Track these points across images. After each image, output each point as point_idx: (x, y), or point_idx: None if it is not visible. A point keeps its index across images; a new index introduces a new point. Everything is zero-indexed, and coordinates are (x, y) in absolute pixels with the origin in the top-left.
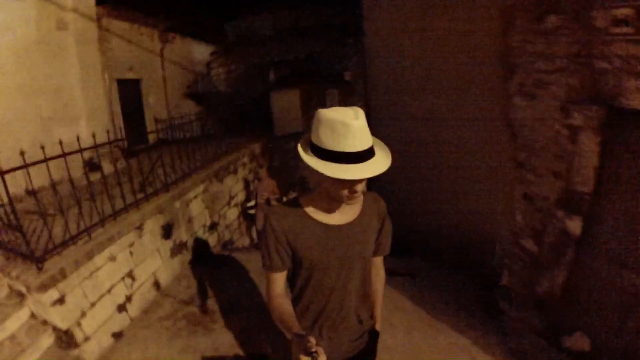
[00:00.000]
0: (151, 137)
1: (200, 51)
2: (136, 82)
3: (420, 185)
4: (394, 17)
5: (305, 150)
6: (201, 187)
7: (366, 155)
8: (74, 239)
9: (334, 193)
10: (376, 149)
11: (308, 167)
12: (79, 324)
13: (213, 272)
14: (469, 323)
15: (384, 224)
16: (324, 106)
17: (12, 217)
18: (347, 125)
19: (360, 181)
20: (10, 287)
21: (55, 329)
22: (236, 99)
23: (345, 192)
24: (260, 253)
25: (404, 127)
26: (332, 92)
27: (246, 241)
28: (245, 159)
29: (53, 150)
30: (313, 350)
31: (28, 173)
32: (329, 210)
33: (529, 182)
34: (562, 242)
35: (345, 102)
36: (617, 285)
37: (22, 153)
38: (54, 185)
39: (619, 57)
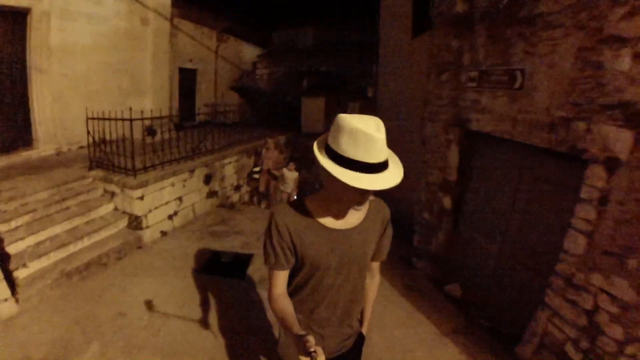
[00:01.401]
0: (199, 117)
1: (249, 52)
2: (193, 72)
3: None
4: (389, 62)
5: (321, 153)
6: (234, 158)
7: (382, 167)
8: (154, 166)
9: (344, 197)
10: (390, 162)
11: (321, 169)
12: (146, 216)
13: (229, 214)
14: (394, 273)
15: (386, 229)
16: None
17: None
18: (371, 137)
19: (372, 191)
20: (104, 189)
21: (130, 216)
22: (272, 97)
23: (357, 199)
24: (264, 250)
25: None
26: (353, 105)
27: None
28: (282, 155)
29: (125, 115)
30: (312, 350)
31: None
32: (334, 214)
33: (428, 174)
34: (441, 212)
35: (363, 114)
36: (475, 247)
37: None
38: (124, 138)
39: (469, 100)
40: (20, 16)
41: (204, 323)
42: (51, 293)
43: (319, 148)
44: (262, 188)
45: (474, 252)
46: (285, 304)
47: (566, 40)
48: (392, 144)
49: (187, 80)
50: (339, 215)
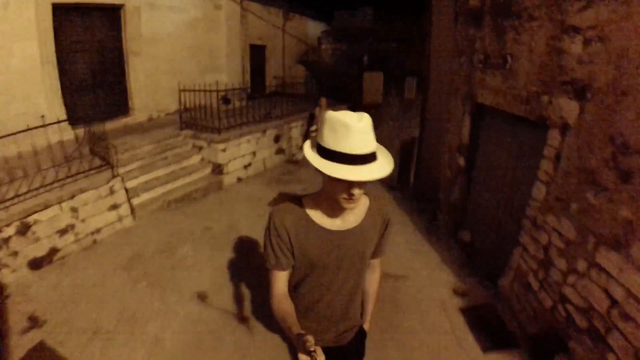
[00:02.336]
0: (269, 89)
1: (314, 28)
2: (262, 48)
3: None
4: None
5: (311, 149)
6: (300, 122)
7: (366, 159)
8: (234, 126)
9: (333, 194)
10: (379, 156)
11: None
12: (227, 165)
13: (294, 167)
14: (421, 225)
15: (387, 227)
16: (402, 89)
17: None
18: (348, 126)
19: (358, 184)
20: (193, 144)
21: (214, 164)
22: (335, 71)
23: (343, 194)
24: (264, 251)
25: None
26: (411, 80)
27: None
28: None
29: (203, 87)
30: (312, 349)
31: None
32: (332, 214)
33: (449, 139)
34: (457, 170)
35: (419, 90)
36: (482, 200)
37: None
38: (204, 106)
39: (478, 78)
40: (116, 11)
41: None
42: (156, 214)
43: (311, 146)
44: None
45: (480, 204)
46: (286, 305)
47: (540, 30)
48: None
49: (257, 56)
50: (337, 215)
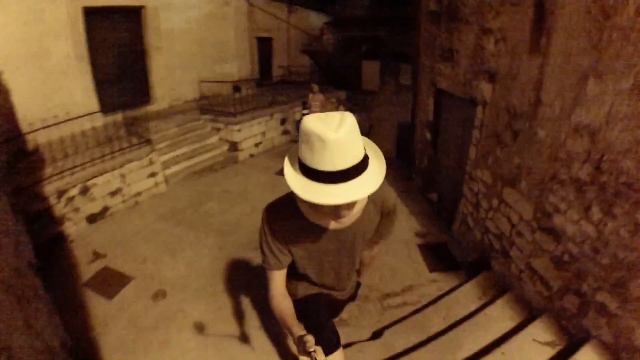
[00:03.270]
0: (275, 77)
1: (316, 19)
2: (269, 40)
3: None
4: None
5: (292, 166)
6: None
7: (350, 174)
8: (246, 111)
9: (318, 217)
10: (370, 161)
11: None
12: (241, 143)
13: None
14: (398, 185)
15: (388, 215)
16: (398, 75)
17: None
18: (324, 140)
19: (346, 205)
20: (212, 127)
21: (230, 143)
22: (336, 60)
23: (330, 215)
24: (261, 252)
25: None
26: (405, 67)
27: None
28: (333, 99)
29: (218, 78)
30: (312, 349)
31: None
32: (325, 214)
33: (421, 118)
34: (426, 143)
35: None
36: (444, 166)
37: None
38: (218, 95)
39: (437, 68)
40: (138, 11)
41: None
42: (183, 182)
43: (291, 162)
44: None
45: (443, 168)
46: (285, 304)
47: (472, 31)
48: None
49: (264, 47)
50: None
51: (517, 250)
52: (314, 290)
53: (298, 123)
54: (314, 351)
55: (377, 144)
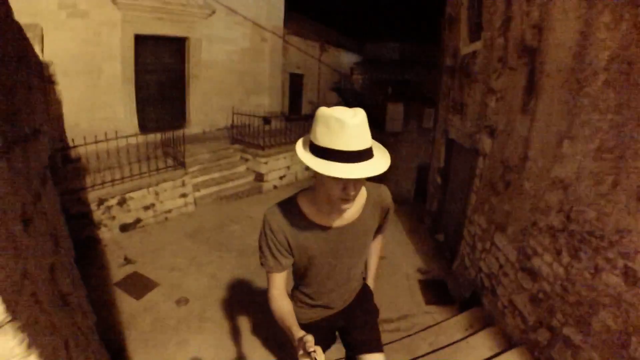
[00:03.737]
0: (304, 112)
1: (347, 58)
2: (300, 76)
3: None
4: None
5: (304, 147)
6: None
7: (361, 156)
8: (273, 145)
9: (328, 194)
10: (375, 153)
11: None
12: (266, 174)
13: None
14: (410, 226)
15: (387, 213)
16: (422, 118)
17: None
18: (342, 122)
19: (354, 184)
20: (240, 156)
21: (256, 173)
22: (364, 99)
23: (338, 195)
24: (260, 254)
25: None
26: (429, 111)
27: None
28: None
29: (249, 108)
30: (311, 350)
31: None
32: (328, 211)
33: (434, 164)
34: (436, 187)
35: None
36: (451, 209)
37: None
38: (249, 124)
39: (449, 118)
40: (182, 41)
41: None
42: (211, 205)
43: (303, 144)
44: None
45: (449, 212)
46: (284, 305)
47: (479, 89)
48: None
49: (295, 83)
50: (333, 212)
51: (503, 288)
52: (313, 313)
53: None
54: (314, 351)
55: (397, 183)
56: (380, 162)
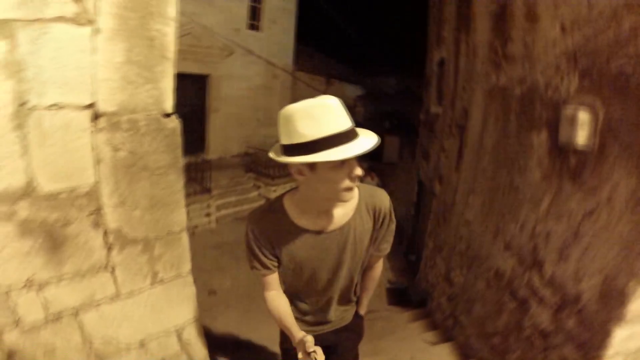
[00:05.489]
0: None
1: (350, 91)
2: None
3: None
4: None
5: (287, 155)
6: None
7: (354, 133)
8: (283, 176)
9: (330, 191)
10: (358, 130)
11: (295, 169)
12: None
13: None
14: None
15: (383, 222)
16: (415, 150)
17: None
18: (327, 106)
19: (358, 163)
20: (254, 183)
21: (267, 198)
22: None
23: (345, 183)
24: (248, 260)
25: None
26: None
27: None
28: (364, 164)
29: (258, 141)
30: (311, 350)
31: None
32: (316, 215)
33: (411, 197)
34: (410, 217)
35: None
36: (421, 235)
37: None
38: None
39: (421, 163)
40: (204, 78)
41: None
42: (230, 224)
43: (277, 155)
44: None
45: (419, 237)
46: (281, 304)
47: (438, 144)
48: None
49: None
50: (320, 216)
51: (436, 293)
52: (305, 318)
53: None
54: (314, 351)
55: (395, 210)
56: (370, 135)
